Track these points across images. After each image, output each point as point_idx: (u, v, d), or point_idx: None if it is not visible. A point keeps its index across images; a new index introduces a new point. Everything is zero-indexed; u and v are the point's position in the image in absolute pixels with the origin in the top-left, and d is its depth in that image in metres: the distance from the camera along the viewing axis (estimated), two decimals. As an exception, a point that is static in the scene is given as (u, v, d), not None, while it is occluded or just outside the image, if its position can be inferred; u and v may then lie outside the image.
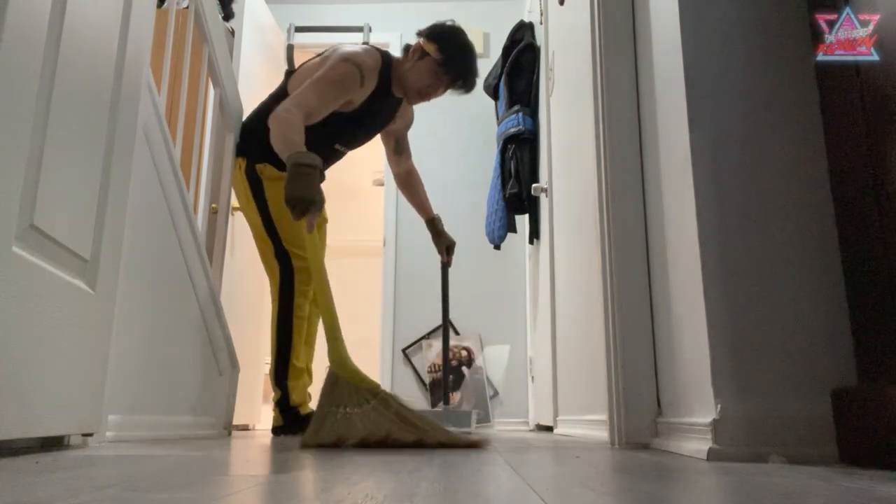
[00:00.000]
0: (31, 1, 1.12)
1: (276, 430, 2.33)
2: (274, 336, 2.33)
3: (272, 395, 2.36)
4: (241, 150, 2.43)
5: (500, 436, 2.50)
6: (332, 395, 1.67)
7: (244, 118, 2.59)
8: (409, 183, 2.82)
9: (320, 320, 2.49)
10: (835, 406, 1.19)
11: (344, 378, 1.69)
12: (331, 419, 1.62)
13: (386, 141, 2.73)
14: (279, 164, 2.23)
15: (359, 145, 2.55)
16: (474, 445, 1.58)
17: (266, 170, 2.33)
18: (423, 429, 1.59)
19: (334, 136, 2.38)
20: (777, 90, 1.38)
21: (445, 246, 2.80)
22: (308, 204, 1.81)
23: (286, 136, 2.01)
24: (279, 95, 2.39)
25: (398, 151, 2.77)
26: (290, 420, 2.31)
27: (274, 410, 2.35)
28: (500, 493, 0.76)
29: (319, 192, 1.86)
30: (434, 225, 2.78)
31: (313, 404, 2.40)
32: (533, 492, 0.73)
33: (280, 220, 2.30)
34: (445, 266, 2.83)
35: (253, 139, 2.39)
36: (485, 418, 3.67)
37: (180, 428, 2.03)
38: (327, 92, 2.22)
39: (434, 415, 2.66)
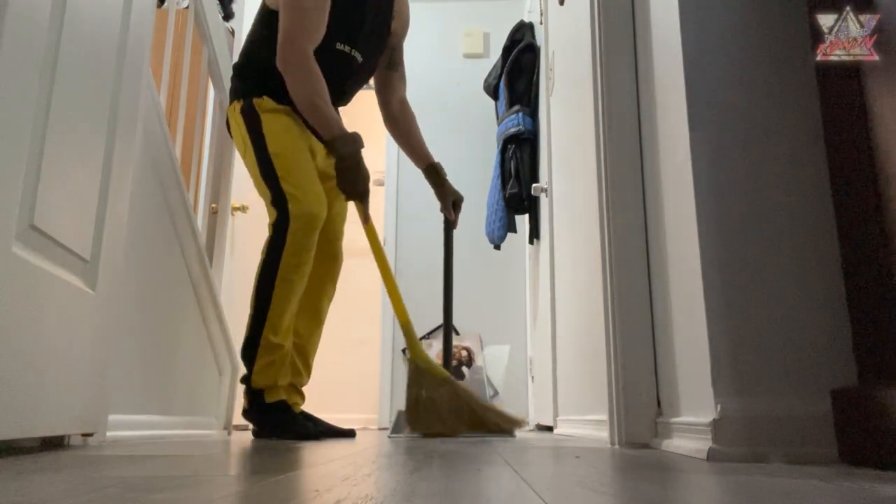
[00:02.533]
0: (32, 1, 1.12)
1: (245, 414, 2.01)
2: (252, 300, 1.99)
3: None
4: (236, 93, 2.13)
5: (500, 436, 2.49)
6: (417, 381, 1.98)
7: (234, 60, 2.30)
8: (402, 118, 2.39)
9: (329, 301, 2.26)
10: (835, 406, 1.19)
11: (423, 367, 2.00)
12: (422, 405, 1.95)
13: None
14: (278, 96, 2.04)
15: (365, 45, 2.18)
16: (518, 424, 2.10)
17: (264, 103, 2.06)
18: (486, 414, 2.01)
19: (327, 33, 2.07)
20: (777, 90, 1.38)
21: (452, 201, 2.39)
22: (362, 194, 1.98)
23: (314, 103, 1.96)
24: (265, 18, 2.13)
25: (391, 67, 2.36)
26: (255, 406, 1.97)
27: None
28: (500, 493, 0.76)
29: (366, 174, 1.98)
30: (435, 174, 2.37)
31: (304, 406, 2.15)
32: (533, 492, 0.73)
33: (278, 156, 2.01)
34: (450, 227, 2.41)
35: (249, 76, 2.13)
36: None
37: (180, 428, 2.03)
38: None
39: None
